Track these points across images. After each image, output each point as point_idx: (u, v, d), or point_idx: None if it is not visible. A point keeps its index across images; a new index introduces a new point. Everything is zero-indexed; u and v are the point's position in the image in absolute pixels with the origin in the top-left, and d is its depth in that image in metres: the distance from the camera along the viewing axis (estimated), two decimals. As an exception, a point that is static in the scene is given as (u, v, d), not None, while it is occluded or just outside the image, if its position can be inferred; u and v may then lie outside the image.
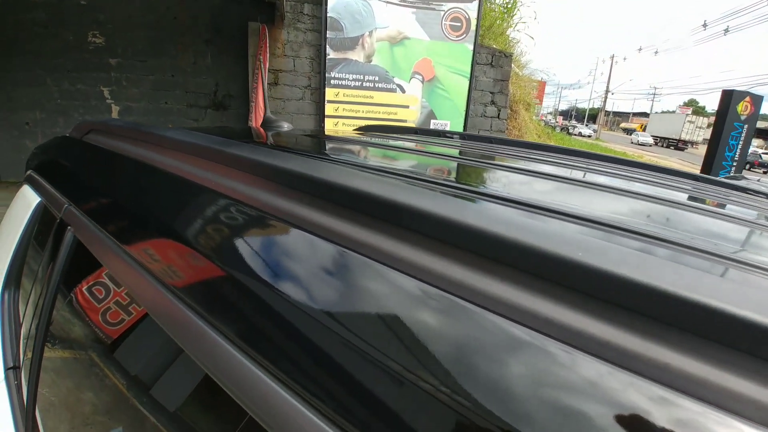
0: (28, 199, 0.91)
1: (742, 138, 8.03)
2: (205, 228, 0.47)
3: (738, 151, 8.12)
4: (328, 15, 5.13)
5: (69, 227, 0.66)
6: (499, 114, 6.12)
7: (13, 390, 0.67)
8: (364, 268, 0.35)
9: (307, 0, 5.20)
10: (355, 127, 1.71)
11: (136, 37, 5.41)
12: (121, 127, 0.82)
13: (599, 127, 37.78)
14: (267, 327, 0.36)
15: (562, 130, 35.52)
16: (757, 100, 7.93)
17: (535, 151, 1.26)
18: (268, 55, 4.96)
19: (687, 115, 36.96)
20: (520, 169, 0.78)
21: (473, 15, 5.51)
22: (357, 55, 5.34)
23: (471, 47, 5.54)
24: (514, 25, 9.75)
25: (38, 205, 0.86)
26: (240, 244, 0.43)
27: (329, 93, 5.32)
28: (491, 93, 6.06)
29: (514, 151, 1.21)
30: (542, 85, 24.08)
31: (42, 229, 0.81)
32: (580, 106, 72.98)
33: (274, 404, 0.31)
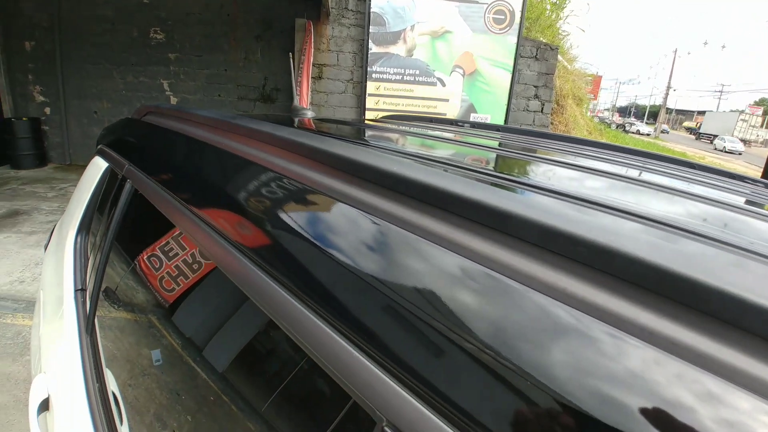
0: (98, 166, 1.11)
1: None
2: (224, 185, 0.60)
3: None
4: (372, 10, 5.25)
5: (128, 180, 0.83)
6: (542, 108, 6.01)
7: (79, 306, 0.85)
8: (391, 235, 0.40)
9: (352, -5, 5.34)
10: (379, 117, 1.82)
11: (193, 33, 5.79)
12: (170, 109, 0.99)
13: (659, 124, 35.54)
14: (325, 283, 0.40)
15: (618, 127, 33.73)
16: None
17: (548, 141, 1.31)
18: (312, 50, 5.16)
19: (740, 112, 36.66)
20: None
21: (518, 7, 5.43)
22: (398, 49, 5.42)
23: (514, 40, 5.46)
24: (564, 17, 9.44)
25: (105, 170, 1.05)
26: (267, 206, 0.53)
27: (370, 86, 5.45)
28: (535, 87, 5.95)
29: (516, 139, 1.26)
30: (597, 79, 23.03)
31: (107, 188, 0.99)
32: (640, 102, 68.92)
33: (343, 359, 0.35)
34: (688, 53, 36.00)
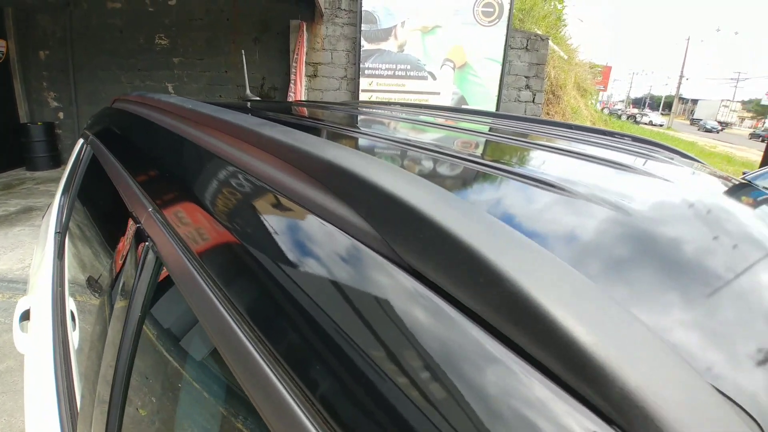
0: (78, 146, 1.33)
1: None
2: (166, 160, 0.78)
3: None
4: (363, 8, 5.44)
5: (91, 149, 1.04)
6: (534, 98, 6.11)
7: (56, 246, 1.07)
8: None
9: (344, -5, 5.55)
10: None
11: (195, 38, 6.07)
12: (136, 96, 1.19)
13: (672, 115, 34.93)
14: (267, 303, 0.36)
15: (628, 118, 33.30)
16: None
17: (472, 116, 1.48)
18: (304, 50, 5.38)
19: (722, 100, 47.44)
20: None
21: (506, 0, 5.56)
22: (390, 46, 5.60)
23: (504, 32, 5.59)
24: (562, 7, 9.48)
25: (81, 145, 1.27)
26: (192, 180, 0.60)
27: (363, 83, 5.64)
28: (526, 77, 6.06)
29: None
30: (606, 70, 22.74)
31: (76, 159, 1.21)
32: (655, 93, 67.56)
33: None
34: (701, 41, 35.24)
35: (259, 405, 0.30)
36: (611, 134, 1.15)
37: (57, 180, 5.70)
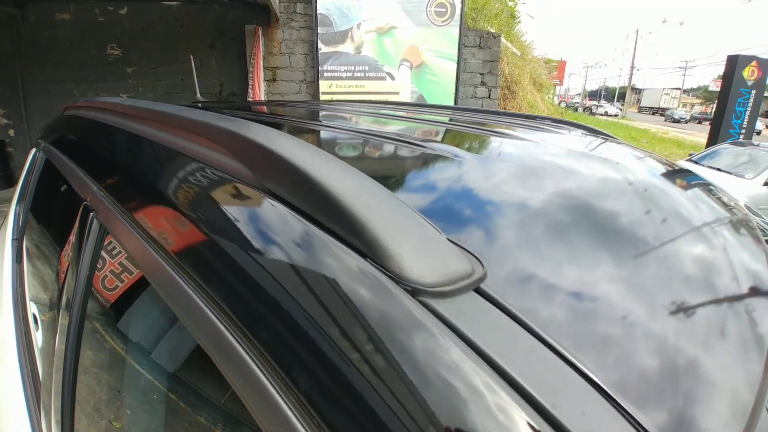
0: (31, 155, 1.37)
1: (750, 104, 7.86)
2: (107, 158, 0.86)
3: (746, 117, 7.96)
4: (319, 12, 5.52)
5: (43, 154, 1.10)
6: (489, 94, 6.34)
7: (14, 251, 1.12)
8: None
9: (299, 0, 5.61)
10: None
11: (149, 47, 5.99)
12: (85, 102, 1.25)
13: (625, 105, 36.60)
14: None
15: (584, 110, 34.66)
16: (764, 64, 7.73)
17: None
18: (261, 54, 5.41)
19: (664, 89, 54.64)
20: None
21: (458, 0, 5.76)
22: (347, 48, 5.71)
23: (457, 31, 5.78)
24: (514, 5, 9.83)
25: (33, 153, 1.32)
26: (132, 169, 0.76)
27: (323, 85, 5.72)
28: (481, 74, 6.29)
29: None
30: (562, 65, 23.52)
31: (31, 165, 1.27)
32: (610, 85, 70.41)
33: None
34: (649, 32, 37.21)
35: (215, 358, 0.36)
36: (533, 118, 1.29)
37: (11, 200, 5.46)
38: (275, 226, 0.39)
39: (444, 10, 5.76)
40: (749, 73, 7.71)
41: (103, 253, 0.60)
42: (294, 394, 0.28)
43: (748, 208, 0.96)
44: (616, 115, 33.25)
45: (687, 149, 12.36)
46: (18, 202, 1.31)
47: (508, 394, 0.25)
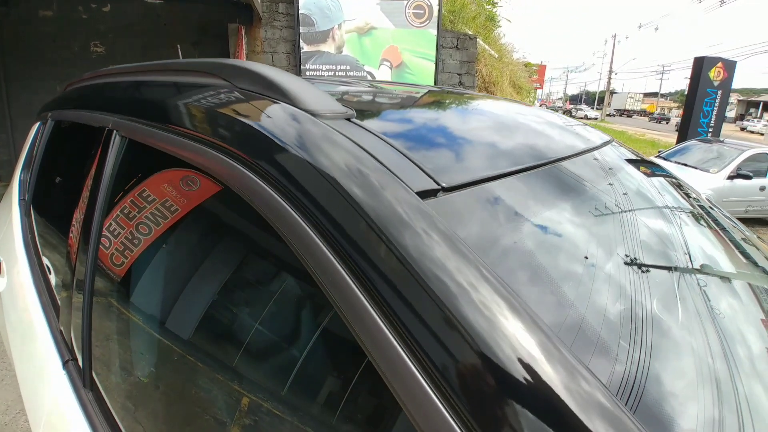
0: (35, 129, 1.52)
1: (717, 104, 8.24)
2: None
3: (713, 117, 8.34)
4: (300, 12, 5.67)
5: (51, 121, 1.25)
6: (467, 93, 6.56)
7: (23, 208, 1.28)
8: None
9: (281, 0, 5.76)
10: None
11: (132, 44, 6.07)
12: (88, 74, 1.39)
13: (604, 108, 37.54)
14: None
15: (565, 113, 35.49)
16: (729, 65, 8.11)
17: None
18: (244, 52, 5.54)
19: (628, 93, 64.07)
20: None
21: (435, 2, 5.97)
22: (328, 47, 5.87)
23: (434, 32, 5.99)
24: (491, 7, 10.11)
25: (37, 127, 1.46)
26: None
27: (305, 83, 5.86)
28: (458, 74, 6.51)
29: None
30: (542, 68, 24.00)
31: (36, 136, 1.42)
32: (590, 89, 71.89)
33: None
34: (626, 37, 38.27)
35: None
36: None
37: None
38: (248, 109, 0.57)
39: (422, 12, 5.96)
40: (715, 74, 8.09)
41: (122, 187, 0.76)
42: None
43: (709, 201, 1.09)
44: (596, 118, 34.07)
45: (661, 148, 12.79)
46: (23, 170, 1.45)
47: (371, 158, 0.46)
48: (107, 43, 6.07)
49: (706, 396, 0.40)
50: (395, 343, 0.34)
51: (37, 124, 1.51)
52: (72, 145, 1.16)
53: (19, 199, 1.34)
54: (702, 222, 0.86)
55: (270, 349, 0.55)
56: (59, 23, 5.96)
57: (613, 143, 0.96)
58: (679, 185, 0.99)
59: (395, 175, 0.43)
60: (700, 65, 8.04)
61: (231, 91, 0.61)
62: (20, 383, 0.93)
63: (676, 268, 0.59)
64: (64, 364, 0.77)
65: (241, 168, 0.48)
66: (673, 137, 21.70)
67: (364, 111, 0.66)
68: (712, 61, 8.12)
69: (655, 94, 58.11)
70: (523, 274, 0.42)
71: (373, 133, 0.51)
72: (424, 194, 0.43)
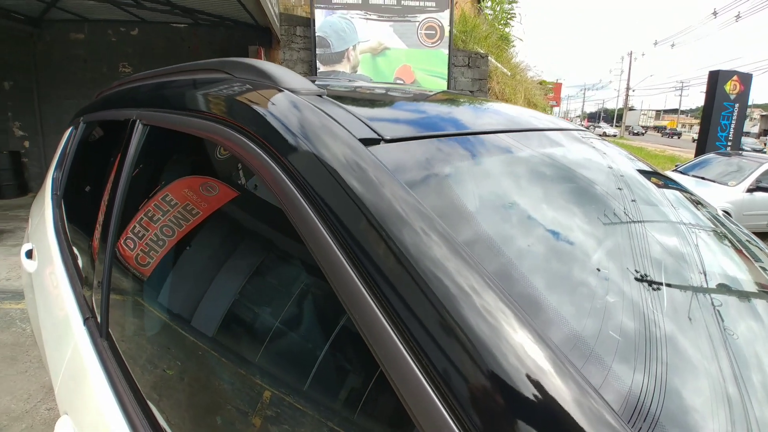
0: (67, 134, 1.67)
1: (734, 117, 8.15)
2: None
3: (731, 130, 8.24)
4: (317, 34, 5.91)
5: (83, 124, 1.40)
6: (478, 110, 6.66)
7: (55, 202, 1.41)
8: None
9: (299, 23, 6.01)
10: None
11: (157, 66, 6.37)
12: (116, 83, 1.53)
13: (622, 125, 37.20)
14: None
15: (584, 130, 35.24)
16: (745, 78, 8.04)
17: None
18: (263, 71, 5.77)
19: (641, 110, 67.99)
20: None
21: (446, 23, 6.15)
22: (344, 67, 6.07)
23: (446, 52, 6.15)
24: (503, 27, 10.28)
25: (70, 132, 1.62)
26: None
27: (320, 100, 6.06)
28: (471, 91, 6.63)
29: None
30: (558, 86, 24.06)
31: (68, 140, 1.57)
32: (609, 106, 71.51)
33: None
34: (642, 54, 38.10)
35: None
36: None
37: (25, 206, 5.78)
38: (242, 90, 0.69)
39: (433, 32, 6.14)
40: (731, 87, 8.03)
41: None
42: None
43: (726, 214, 1.06)
44: (614, 135, 33.82)
45: (678, 162, 12.62)
46: (56, 169, 1.61)
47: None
48: (134, 63, 6.41)
49: (718, 417, 0.39)
50: (370, 302, 0.40)
51: (70, 129, 1.67)
52: (99, 145, 1.29)
53: (52, 194, 1.48)
54: (702, 229, 0.84)
55: (267, 321, 0.63)
56: (90, 46, 6.34)
57: (582, 131, 1.01)
58: (672, 187, 0.98)
59: (344, 127, 0.56)
60: (715, 79, 8.01)
61: (231, 80, 0.74)
62: (45, 343, 1.06)
63: (671, 275, 0.59)
64: (85, 321, 0.89)
65: (237, 135, 0.60)
66: (692, 152, 21.37)
67: (339, 93, 0.82)
68: (727, 75, 8.07)
69: (675, 111, 57.44)
70: (451, 211, 0.51)
71: (336, 104, 0.64)
72: (367, 142, 0.54)
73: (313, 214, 0.47)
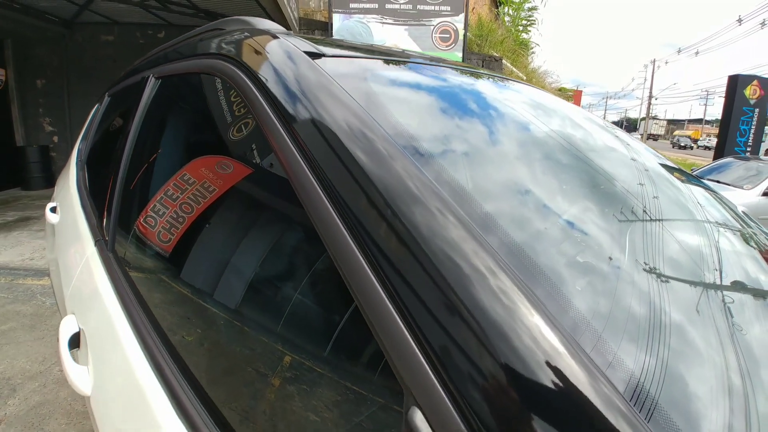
0: (93, 110, 1.82)
1: (754, 122, 7.99)
2: None
3: (751, 135, 8.07)
4: (334, 37, 6.09)
5: (108, 98, 1.54)
6: (491, 111, 6.72)
7: (79, 165, 1.56)
8: None
9: (317, 27, 6.20)
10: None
11: (180, 65, 6.66)
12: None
13: (644, 133, 36.58)
14: None
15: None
16: (765, 83, 7.87)
17: None
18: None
19: (653, 120, 67.66)
20: None
21: (460, 26, 6.24)
22: (358, 67, 6.22)
23: (460, 54, 6.24)
24: (520, 32, 10.33)
25: (95, 108, 1.77)
26: None
27: (335, 100, 6.21)
28: (483, 93, 6.70)
29: None
30: (578, 93, 23.83)
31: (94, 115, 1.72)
32: (631, 116, 70.48)
33: None
34: (666, 63, 37.38)
35: None
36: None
37: (50, 197, 6.08)
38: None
39: (448, 36, 6.23)
40: (751, 92, 7.89)
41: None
42: None
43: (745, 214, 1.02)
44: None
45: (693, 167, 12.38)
46: (82, 141, 1.76)
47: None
48: (159, 64, 6.69)
49: (719, 405, 0.40)
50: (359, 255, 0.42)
51: (96, 107, 1.82)
52: (119, 113, 1.43)
53: (77, 161, 1.63)
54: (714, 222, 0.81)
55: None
56: (119, 47, 6.65)
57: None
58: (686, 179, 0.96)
59: (297, 47, 0.70)
60: (735, 83, 7.88)
61: (225, 32, 0.87)
62: (60, 265, 1.21)
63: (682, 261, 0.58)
64: (96, 242, 1.03)
65: (230, 66, 0.72)
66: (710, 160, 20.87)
67: (311, 37, 0.92)
68: (747, 80, 7.94)
69: (699, 121, 56.17)
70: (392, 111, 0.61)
71: (300, 37, 0.76)
72: (312, 56, 0.68)
73: (268, 109, 0.59)
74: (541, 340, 0.33)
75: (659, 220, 0.66)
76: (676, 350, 0.42)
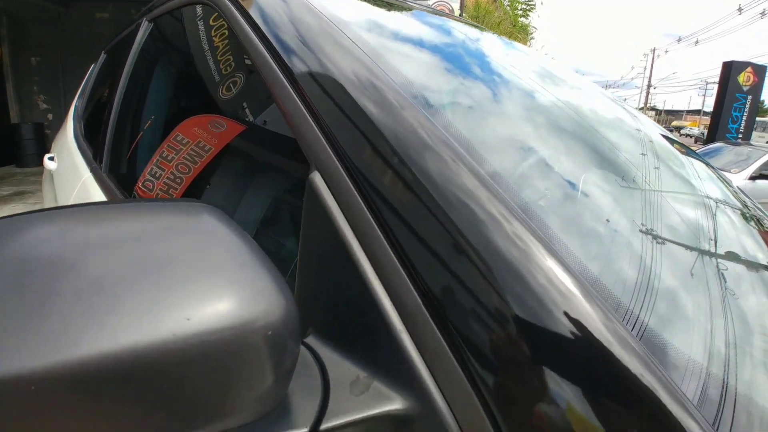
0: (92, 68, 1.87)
1: (747, 109, 8.04)
2: None
3: (743, 122, 8.13)
4: None
5: (104, 55, 1.59)
6: (486, 93, 6.75)
7: (75, 114, 1.61)
8: None
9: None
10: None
11: (175, 44, 6.64)
12: None
13: (641, 122, 36.42)
14: None
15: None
16: (759, 70, 7.91)
17: None
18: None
19: (642, 109, 72.88)
20: None
21: (456, 6, 6.25)
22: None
23: (455, 34, 6.25)
24: (519, 15, 10.30)
25: (93, 66, 1.81)
26: None
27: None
28: (478, 74, 6.72)
29: None
30: (576, 82, 23.83)
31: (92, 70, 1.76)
32: (631, 105, 70.76)
33: None
34: (666, 51, 37.15)
35: None
36: None
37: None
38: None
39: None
40: (745, 79, 7.92)
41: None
42: None
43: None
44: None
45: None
46: (78, 98, 1.82)
47: None
48: (153, 42, 6.67)
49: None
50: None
51: (92, 66, 1.87)
52: (114, 68, 1.49)
53: (74, 115, 1.69)
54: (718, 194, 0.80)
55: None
56: (113, 24, 6.60)
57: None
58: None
59: None
60: (729, 70, 7.90)
61: None
62: (57, 191, 1.27)
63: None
64: (92, 169, 1.10)
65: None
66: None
67: None
68: (741, 66, 7.96)
69: (698, 112, 56.13)
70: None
71: None
72: None
73: (257, 41, 0.56)
74: (555, 281, 0.33)
75: (662, 185, 0.67)
76: (674, 299, 0.44)
